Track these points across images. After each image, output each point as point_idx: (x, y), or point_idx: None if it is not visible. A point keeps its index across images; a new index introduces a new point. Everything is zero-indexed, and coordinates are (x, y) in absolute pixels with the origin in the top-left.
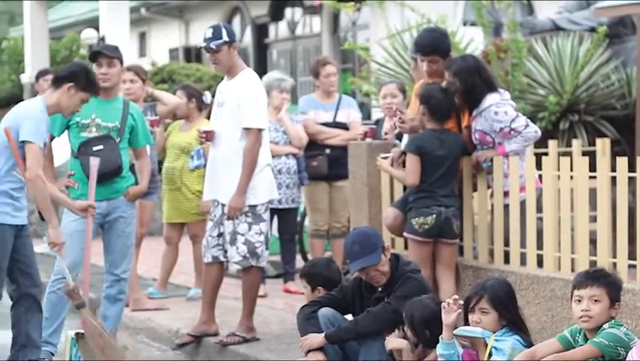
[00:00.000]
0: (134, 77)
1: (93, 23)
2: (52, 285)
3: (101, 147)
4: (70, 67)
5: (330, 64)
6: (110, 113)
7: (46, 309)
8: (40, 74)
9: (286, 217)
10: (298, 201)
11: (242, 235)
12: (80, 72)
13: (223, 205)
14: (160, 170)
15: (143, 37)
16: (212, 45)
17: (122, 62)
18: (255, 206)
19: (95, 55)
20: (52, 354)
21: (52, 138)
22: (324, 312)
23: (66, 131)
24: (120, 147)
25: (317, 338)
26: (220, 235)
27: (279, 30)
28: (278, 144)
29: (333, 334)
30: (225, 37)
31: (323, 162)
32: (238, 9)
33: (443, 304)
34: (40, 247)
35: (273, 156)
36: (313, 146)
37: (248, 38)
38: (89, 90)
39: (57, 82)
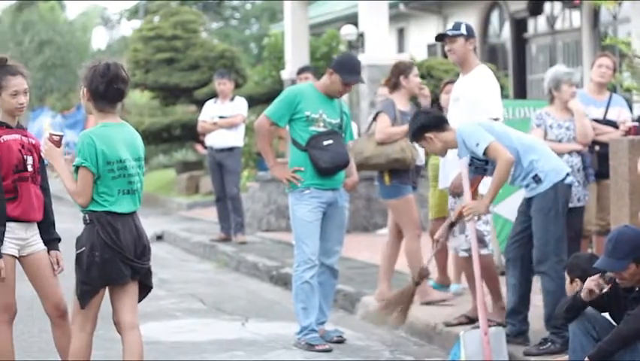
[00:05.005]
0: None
1: (352, 20)
2: (301, 275)
3: (330, 141)
4: None
5: (605, 56)
6: (333, 110)
7: (301, 300)
8: (301, 71)
9: (570, 217)
10: (584, 199)
11: None
12: None
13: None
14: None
15: (401, 32)
16: (449, 32)
17: None
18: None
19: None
20: (321, 340)
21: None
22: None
23: None
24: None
25: None
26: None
27: (537, 25)
28: (561, 141)
29: (597, 352)
30: (463, 31)
31: (593, 159)
32: (497, 4)
33: None
34: None
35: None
36: None
37: (506, 33)
38: None
39: None
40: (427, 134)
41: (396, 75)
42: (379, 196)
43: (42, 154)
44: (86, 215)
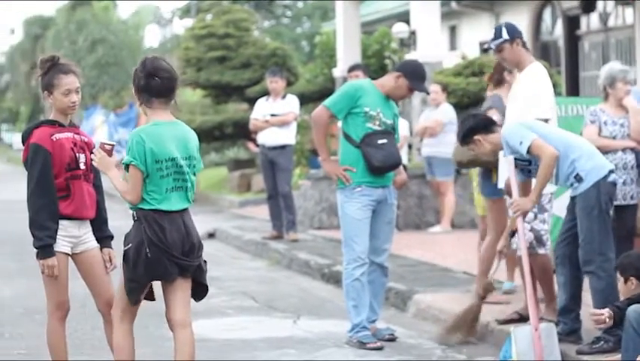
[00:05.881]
0: None
1: (404, 18)
2: (352, 273)
3: (385, 140)
4: None
5: None
6: (389, 110)
7: (352, 297)
8: (352, 69)
9: (623, 215)
10: (638, 197)
11: (528, 223)
12: None
13: None
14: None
15: (453, 30)
16: (492, 45)
17: None
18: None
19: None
20: (372, 338)
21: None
22: (636, 308)
23: None
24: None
25: None
26: None
27: (590, 22)
28: (615, 138)
29: None
30: (505, 36)
31: None
32: (549, 1)
33: None
34: None
35: (609, 152)
36: None
37: (559, 31)
38: None
39: None
40: (476, 137)
41: (499, 71)
42: (481, 193)
43: (94, 163)
44: (134, 213)
